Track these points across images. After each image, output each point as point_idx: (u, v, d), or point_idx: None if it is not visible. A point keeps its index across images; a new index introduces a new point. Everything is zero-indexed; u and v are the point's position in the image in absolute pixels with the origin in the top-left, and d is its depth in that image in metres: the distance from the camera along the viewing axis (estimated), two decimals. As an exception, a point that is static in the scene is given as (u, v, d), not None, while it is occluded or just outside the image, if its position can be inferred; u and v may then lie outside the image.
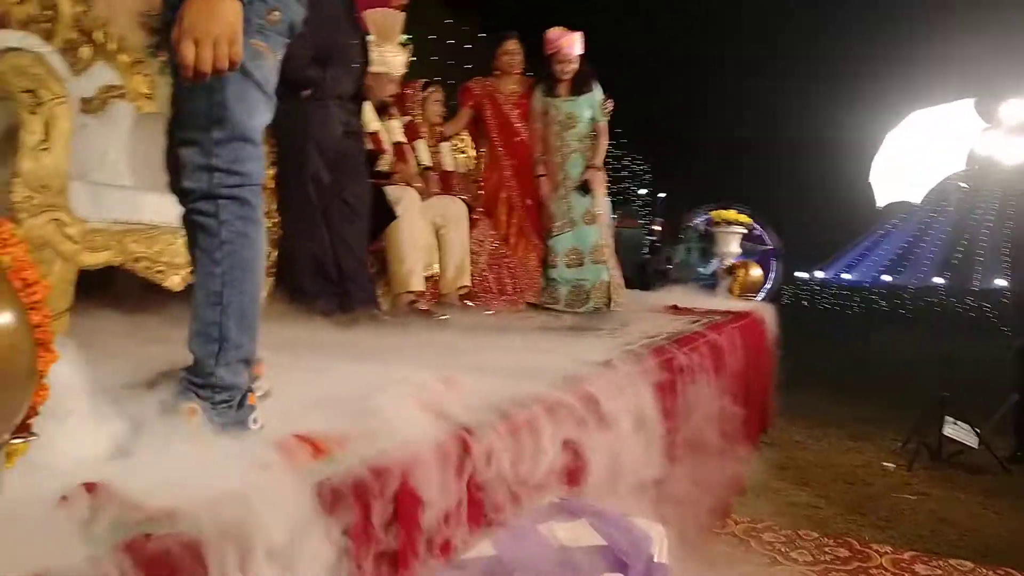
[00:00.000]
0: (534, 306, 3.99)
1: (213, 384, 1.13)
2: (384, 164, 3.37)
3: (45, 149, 1.81)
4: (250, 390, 1.19)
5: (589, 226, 4.03)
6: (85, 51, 2.90)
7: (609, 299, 4.02)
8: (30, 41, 1.87)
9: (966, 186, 6.22)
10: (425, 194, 3.56)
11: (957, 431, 4.31)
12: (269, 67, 1.22)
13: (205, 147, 1.14)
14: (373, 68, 3.37)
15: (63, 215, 1.80)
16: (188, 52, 1.05)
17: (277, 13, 1.21)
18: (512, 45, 4.21)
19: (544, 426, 1.46)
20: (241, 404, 1.16)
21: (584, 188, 4.01)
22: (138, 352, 1.38)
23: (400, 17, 3.51)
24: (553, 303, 3.99)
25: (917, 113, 5.70)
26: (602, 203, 4.10)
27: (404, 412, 1.24)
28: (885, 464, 4.17)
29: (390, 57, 3.36)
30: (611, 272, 4.07)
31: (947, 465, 4.11)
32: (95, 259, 1.96)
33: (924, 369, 4.86)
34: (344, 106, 2.83)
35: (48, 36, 2.71)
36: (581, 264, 4.03)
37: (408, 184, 3.47)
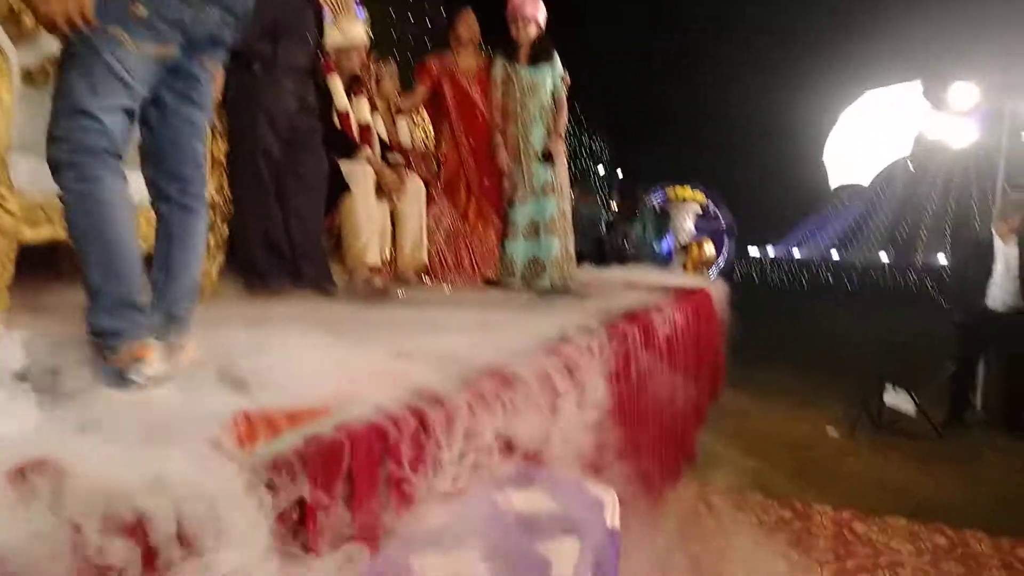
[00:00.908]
0: (492, 282, 3.98)
1: (95, 332, 1.26)
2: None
3: (-16, 121, 1.74)
4: (144, 343, 1.27)
5: (547, 197, 3.99)
6: (28, 19, 2.78)
7: (563, 274, 4.00)
8: (-35, 8, 1.79)
9: (913, 168, 6.41)
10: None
11: (896, 399, 4.49)
12: (130, 58, 1.31)
13: (52, 117, 1.29)
14: (335, 42, 3.31)
15: (2, 189, 1.74)
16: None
17: (141, 8, 1.30)
18: (468, 15, 4.14)
19: (496, 401, 1.47)
20: (119, 351, 1.25)
21: (546, 156, 3.97)
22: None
23: None
24: (509, 277, 3.95)
25: (870, 93, 5.84)
26: (563, 175, 4.06)
27: (355, 388, 1.24)
28: (829, 429, 4.33)
29: (348, 29, 3.30)
30: (565, 246, 4.04)
31: (887, 432, 4.28)
32: (36, 234, 1.90)
33: (868, 341, 5.03)
34: (298, 80, 2.77)
35: (-16, 4, 2.59)
36: (537, 235, 4.01)
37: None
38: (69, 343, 1.27)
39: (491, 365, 1.59)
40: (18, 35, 2.71)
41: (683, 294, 3.91)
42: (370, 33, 3.58)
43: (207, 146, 2.20)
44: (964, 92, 5.44)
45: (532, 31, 3.92)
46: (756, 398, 5.03)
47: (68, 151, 1.27)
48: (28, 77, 2.73)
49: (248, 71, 2.61)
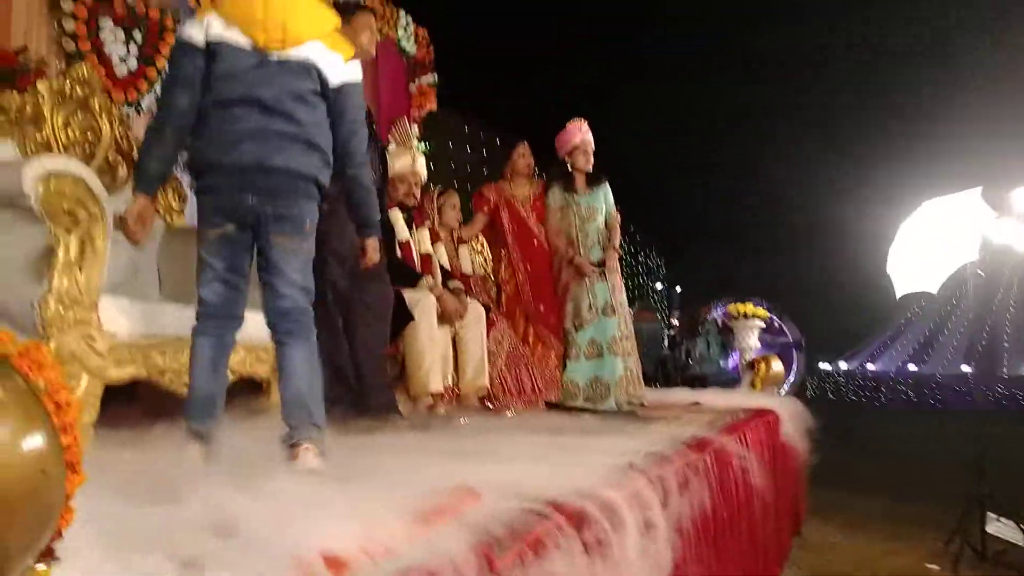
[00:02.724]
0: (554, 406, 3.95)
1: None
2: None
3: (79, 267, 1.88)
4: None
5: (609, 318, 4.05)
6: (122, 170, 3.05)
7: (629, 396, 3.98)
8: (71, 165, 1.98)
9: (983, 273, 6.20)
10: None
11: (1001, 528, 4.11)
12: (206, 243, 1.79)
13: None
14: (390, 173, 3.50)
15: (93, 331, 1.85)
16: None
17: (212, 232, 1.78)
18: (524, 148, 4.39)
19: (564, 538, 1.42)
20: None
21: (600, 265, 4.08)
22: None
23: (407, 125, 3.71)
24: (572, 400, 3.95)
25: (928, 203, 5.77)
26: (621, 293, 4.15)
27: (420, 527, 1.21)
28: (929, 566, 3.97)
29: (395, 160, 3.50)
30: (630, 366, 4.05)
31: (993, 564, 3.90)
32: (121, 373, 1.99)
33: (960, 461, 4.69)
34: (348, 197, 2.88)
35: (88, 157, 2.87)
36: (600, 356, 4.02)
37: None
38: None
39: (556, 500, 1.54)
40: (112, 184, 2.97)
41: (755, 415, 3.77)
42: (424, 165, 3.76)
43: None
44: (1028, 196, 5.32)
45: (591, 159, 4.13)
46: (843, 529, 4.68)
47: (199, 314, 1.80)
48: (119, 222, 2.98)
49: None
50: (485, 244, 4.74)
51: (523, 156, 4.36)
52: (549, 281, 4.24)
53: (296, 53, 1.74)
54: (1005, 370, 23.68)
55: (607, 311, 4.07)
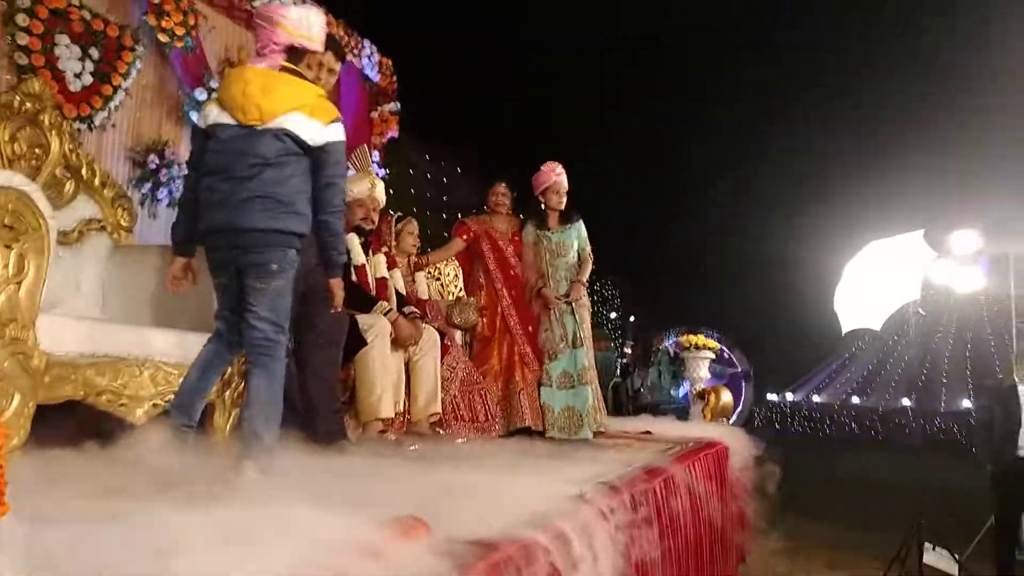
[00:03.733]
0: (530, 432, 4.00)
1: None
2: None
3: (18, 283, 1.80)
4: None
5: (578, 349, 4.17)
6: (69, 186, 2.96)
7: (597, 423, 4.09)
8: (15, 179, 1.90)
9: (923, 313, 6.40)
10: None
11: (937, 558, 4.20)
12: (217, 286, 2.19)
13: None
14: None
15: (28, 349, 1.76)
16: None
17: (214, 281, 2.20)
18: (503, 188, 4.52)
19: (513, 571, 1.39)
20: None
21: (566, 296, 4.22)
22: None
23: (367, 151, 3.71)
24: (550, 428, 4.07)
25: (873, 243, 5.97)
26: (587, 325, 4.27)
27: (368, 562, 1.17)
28: (869, 596, 4.02)
29: (359, 185, 3.47)
30: (595, 394, 4.16)
31: (930, 595, 3.97)
32: (56, 393, 1.90)
33: (900, 492, 4.79)
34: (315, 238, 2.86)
35: (35, 171, 2.77)
36: (572, 387, 4.13)
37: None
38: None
39: (507, 531, 1.51)
40: (58, 199, 2.88)
41: (704, 446, 3.80)
42: (383, 191, 3.73)
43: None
44: (966, 239, 5.55)
45: (564, 199, 4.33)
46: (787, 558, 4.73)
47: None
48: (62, 236, 2.87)
49: None
50: (443, 271, 4.75)
51: (499, 195, 4.49)
52: (531, 307, 4.36)
53: (273, 125, 2.03)
54: (943, 404, 24.43)
55: (576, 342, 4.18)
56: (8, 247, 1.81)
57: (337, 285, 2.23)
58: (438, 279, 4.74)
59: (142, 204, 3.92)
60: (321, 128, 2.08)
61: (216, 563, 1.07)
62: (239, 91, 2.05)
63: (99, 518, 1.20)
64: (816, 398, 28.09)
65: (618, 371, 13.84)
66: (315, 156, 2.09)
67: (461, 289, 4.75)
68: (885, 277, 5.77)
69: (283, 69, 2.13)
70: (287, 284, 2.08)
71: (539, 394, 4.17)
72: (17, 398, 1.72)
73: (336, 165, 2.11)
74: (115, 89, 3.70)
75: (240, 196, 2.01)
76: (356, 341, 3.06)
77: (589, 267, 4.41)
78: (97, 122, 3.65)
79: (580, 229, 4.40)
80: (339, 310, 2.30)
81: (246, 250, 2.04)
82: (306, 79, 2.17)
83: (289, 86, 2.09)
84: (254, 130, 2.03)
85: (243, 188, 2.02)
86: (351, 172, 3.63)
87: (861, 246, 6.03)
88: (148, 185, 3.97)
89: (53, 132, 2.84)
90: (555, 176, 4.35)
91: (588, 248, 4.42)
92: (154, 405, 2.23)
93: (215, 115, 2.09)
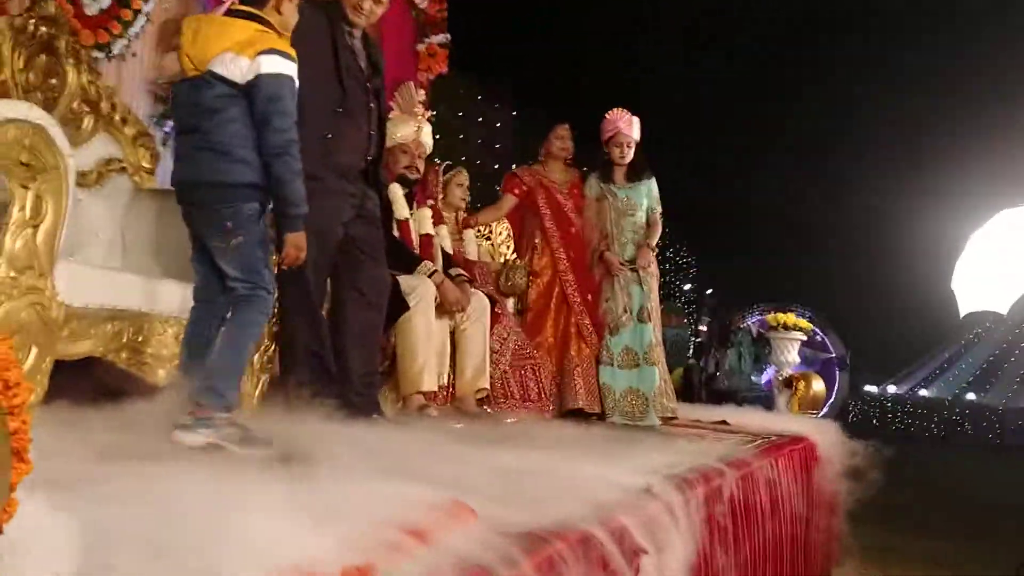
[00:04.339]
0: (585, 415, 4.01)
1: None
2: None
3: (34, 227, 1.87)
4: None
5: (645, 324, 4.15)
6: (88, 121, 3.04)
7: (664, 409, 4.09)
8: (31, 112, 1.97)
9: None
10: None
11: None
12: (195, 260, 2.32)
13: None
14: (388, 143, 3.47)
15: (45, 299, 1.85)
16: None
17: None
18: (564, 131, 4.46)
19: (568, 566, 1.41)
20: None
21: (631, 263, 4.20)
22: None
23: (414, 89, 3.71)
24: (610, 412, 4.07)
25: (1004, 213, 5.73)
26: (655, 297, 4.25)
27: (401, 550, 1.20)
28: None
29: (396, 127, 3.48)
30: (663, 376, 4.16)
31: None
32: (75, 349, 1.99)
33: (1020, 505, 4.66)
34: (355, 183, 2.87)
35: (51, 105, 2.86)
36: (637, 366, 4.10)
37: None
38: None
39: (561, 522, 1.53)
40: (76, 136, 2.97)
41: (788, 441, 3.76)
42: (430, 136, 3.73)
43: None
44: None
45: (631, 152, 4.26)
46: (881, 572, 4.67)
47: None
48: (80, 177, 2.97)
49: None
50: (496, 232, 4.75)
51: (560, 139, 4.44)
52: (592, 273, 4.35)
53: (205, 71, 2.14)
54: (1079, 404, 23.54)
55: (643, 316, 4.16)
56: (24, 187, 1.87)
57: (292, 241, 2.26)
58: (488, 239, 4.75)
59: (163, 144, 4.03)
60: (248, 64, 2.14)
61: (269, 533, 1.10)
62: (188, 40, 2.19)
63: (132, 491, 1.26)
64: (924, 392, 27.37)
65: (691, 351, 13.72)
66: (249, 95, 2.15)
67: (513, 251, 4.74)
68: (1017, 252, 5.55)
69: (230, 12, 2.22)
70: (251, 238, 2.15)
71: (597, 372, 4.17)
72: (34, 352, 1.81)
73: (269, 101, 2.14)
74: (135, 14, 3.78)
75: (185, 150, 2.22)
76: (398, 305, 3.11)
77: (659, 230, 4.37)
78: (116, 51, 3.74)
79: (651, 187, 4.36)
80: (296, 264, 2.33)
81: (198, 207, 2.19)
82: (263, 20, 2.22)
83: (217, 27, 2.19)
84: (192, 80, 2.17)
85: (188, 141, 2.18)
86: (394, 112, 3.64)
87: (989, 215, 5.83)
88: (171, 123, 4.08)
89: (70, 60, 2.91)
90: (620, 125, 4.28)
91: (659, 209, 4.37)
92: (177, 366, 2.31)
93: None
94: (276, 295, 2.26)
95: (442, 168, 4.22)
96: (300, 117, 2.27)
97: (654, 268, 4.33)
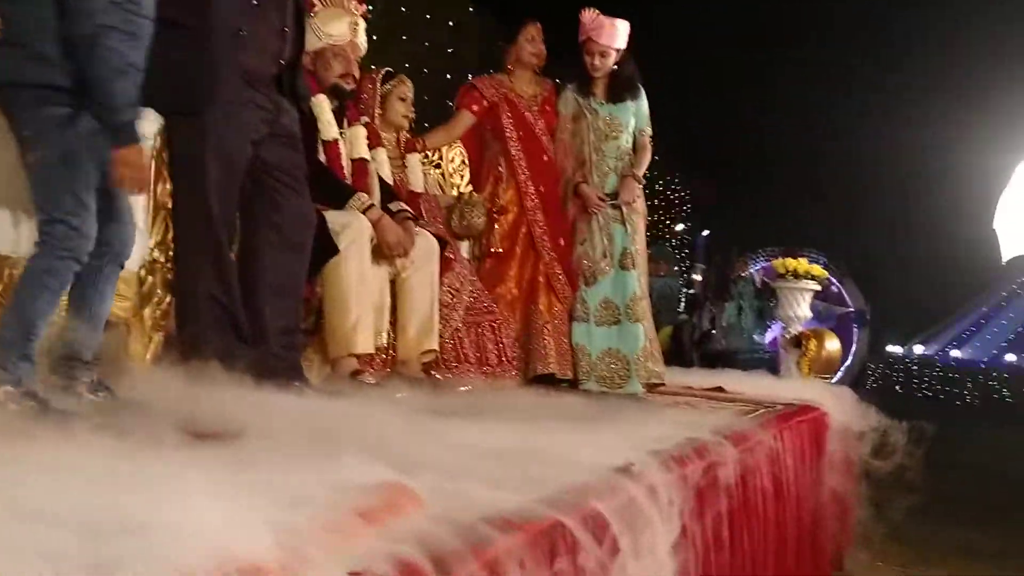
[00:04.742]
0: (556, 381, 4.02)
1: None
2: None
3: None
4: None
5: (628, 272, 4.12)
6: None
7: (649, 373, 4.10)
8: None
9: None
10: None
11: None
12: None
13: None
14: (308, 44, 3.37)
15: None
16: None
17: None
18: (533, 31, 4.34)
19: (530, 560, 1.42)
20: None
21: (613, 198, 4.17)
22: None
23: None
24: (584, 377, 4.05)
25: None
26: (641, 240, 4.21)
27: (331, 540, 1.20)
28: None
29: (326, 25, 3.39)
30: (648, 334, 4.16)
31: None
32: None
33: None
34: (267, 95, 2.82)
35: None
36: (617, 322, 4.10)
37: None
38: None
39: (522, 511, 1.54)
40: None
41: (796, 411, 3.84)
42: (364, 36, 3.64)
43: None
44: None
45: (609, 62, 4.10)
46: (902, 563, 4.83)
47: None
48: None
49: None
50: (446, 155, 4.69)
51: (531, 41, 4.34)
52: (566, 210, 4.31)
53: None
54: None
55: (626, 262, 4.14)
56: None
57: (122, 159, 2.18)
58: (438, 166, 4.69)
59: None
60: None
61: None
62: None
63: None
64: (956, 353, 28.09)
65: (681, 305, 13.89)
66: None
67: (468, 182, 4.69)
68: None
69: None
70: (49, 155, 2.11)
71: (570, 331, 4.17)
72: None
73: None
74: None
75: None
76: (325, 247, 3.07)
77: (648, 158, 4.34)
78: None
79: (640, 105, 4.30)
80: (133, 188, 2.27)
81: (7, 116, 2.17)
82: None
83: None
84: None
85: None
86: (319, 8, 3.54)
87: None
88: None
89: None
90: (588, 29, 4.18)
91: (649, 131, 4.33)
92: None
93: None
94: (87, 231, 2.13)
95: (380, 77, 4.13)
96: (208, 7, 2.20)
97: (640, 204, 4.29)
